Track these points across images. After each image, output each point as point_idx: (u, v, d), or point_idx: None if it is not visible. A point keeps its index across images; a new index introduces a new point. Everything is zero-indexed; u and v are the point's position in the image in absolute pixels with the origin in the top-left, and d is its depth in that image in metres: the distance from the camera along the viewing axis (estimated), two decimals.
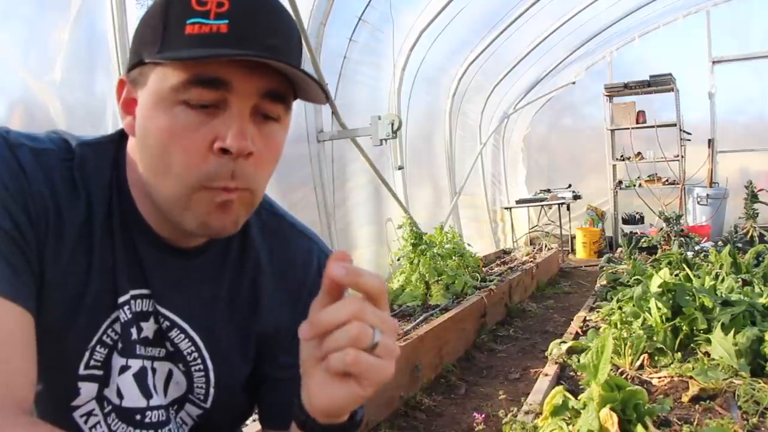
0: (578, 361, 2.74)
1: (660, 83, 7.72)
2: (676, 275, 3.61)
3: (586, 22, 6.79)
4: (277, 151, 0.75)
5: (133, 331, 0.78)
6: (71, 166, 0.74)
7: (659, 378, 2.53)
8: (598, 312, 3.76)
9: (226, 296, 0.84)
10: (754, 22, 7.64)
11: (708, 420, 2.08)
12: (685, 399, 2.28)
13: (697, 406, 2.23)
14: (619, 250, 6.69)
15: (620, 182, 8.33)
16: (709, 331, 2.75)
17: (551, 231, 8.29)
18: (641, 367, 2.69)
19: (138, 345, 0.79)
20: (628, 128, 7.90)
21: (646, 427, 1.83)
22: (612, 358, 2.34)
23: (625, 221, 8.18)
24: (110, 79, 2.46)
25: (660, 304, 2.92)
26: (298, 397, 0.66)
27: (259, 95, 0.69)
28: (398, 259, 4.55)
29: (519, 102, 8.02)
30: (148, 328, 0.80)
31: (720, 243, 5.83)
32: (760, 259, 4.51)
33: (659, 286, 3.06)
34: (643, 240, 6.09)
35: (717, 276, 3.78)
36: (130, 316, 0.78)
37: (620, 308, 3.33)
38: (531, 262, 6.28)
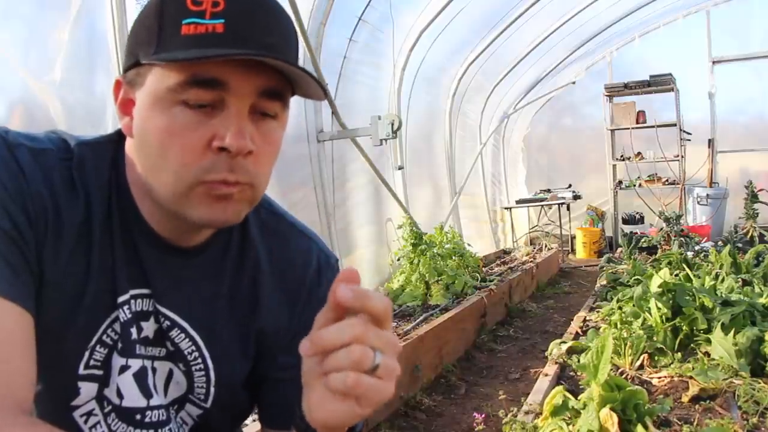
0: (578, 361, 2.74)
1: (660, 83, 7.72)
2: (676, 275, 3.61)
3: (586, 22, 6.79)
4: (276, 148, 0.75)
5: (133, 330, 0.78)
6: (70, 165, 0.74)
7: (659, 378, 2.53)
8: (598, 312, 3.76)
9: (226, 294, 0.84)
10: (754, 22, 7.64)
11: (708, 420, 2.07)
12: (685, 399, 2.28)
13: (697, 406, 2.22)
14: (619, 250, 6.69)
15: (620, 182, 8.33)
16: (709, 331, 2.74)
17: (551, 231, 8.29)
18: (641, 367, 2.69)
19: (138, 345, 0.79)
20: (628, 128, 7.90)
21: (646, 427, 1.83)
22: (612, 358, 2.34)
23: (625, 221, 8.18)
24: (110, 79, 2.45)
25: (660, 304, 2.92)
26: (299, 406, 0.65)
27: (256, 94, 0.69)
28: (398, 259, 4.55)
29: (519, 102, 8.02)
30: (149, 327, 0.80)
31: (720, 243, 5.82)
32: (760, 259, 4.51)
33: (659, 286, 3.06)
34: (643, 240, 6.09)
35: (717, 276, 3.78)
36: (129, 315, 0.78)
37: (620, 308, 3.33)
38: (531, 262, 6.28)
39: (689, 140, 7.86)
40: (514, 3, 5.68)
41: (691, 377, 2.43)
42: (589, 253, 7.98)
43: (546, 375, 2.70)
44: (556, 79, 8.17)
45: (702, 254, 5.02)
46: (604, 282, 4.81)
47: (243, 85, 0.68)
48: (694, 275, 3.66)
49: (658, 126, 7.60)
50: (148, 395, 0.80)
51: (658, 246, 5.84)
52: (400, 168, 4.63)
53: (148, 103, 0.70)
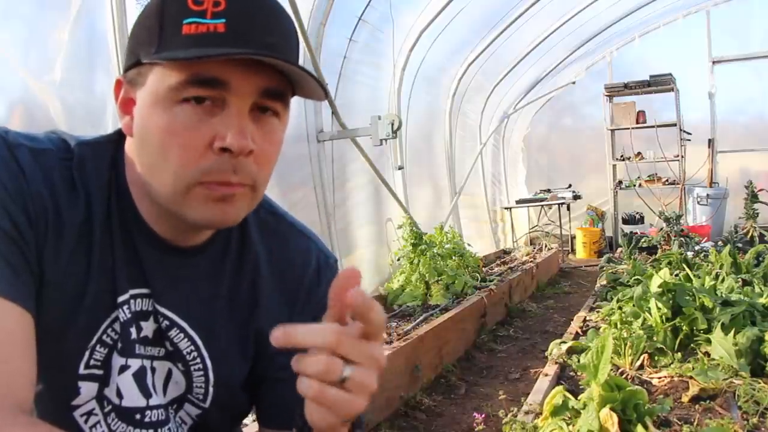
0: (578, 361, 2.74)
1: (660, 83, 7.72)
2: (676, 275, 3.61)
3: (586, 22, 6.79)
4: (276, 148, 0.75)
5: (133, 330, 0.78)
6: (70, 165, 0.75)
7: (659, 378, 2.53)
8: (598, 312, 3.76)
9: (225, 295, 0.84)
10: (754, 22, 7.64)
11: (708, 420, 2.07)
12: (685, 399, 2.28)
13: (697, 406, 2.22)
14: (619, 250, 6.69)
15: (620, 182, 8.33)
16: (709, 331, 2.74)
17: (551, 231, 8.29)
18: (641, 367, 2.69)
19: (137, 344, 0.79)
20: (628, 128, 7.90)
21: (646, 427, 1.83)
22: (612, 358, 2.33)
23: (625, 221, 8.17)
24: (110, 80, 2.46)
25: (660, 304, 2.92)
26: (300, 405, 0.65)
27: (257, 93, 0.69)
28: (398, 259, 4.55)
29: (519, 102, 8.02)
30: (148, 327, 0.80)
31: (720, 243, 5.82)
32: (760, 259, 4.51)
33: (659, 286, 3.06)
34: (643, 240, 6.09)
35: (717, 276, 3.78)
36: (129, 315, 0.78)
37: (620, 308, 3.33)
38: (531, 262, 6.28)
39: (689, 140, 7.86)
40: (514, 3, 5.68)
41: (691, 377, 2.43)
42: (589, 253, 7.98)
43: (546, 375, 2.70)
44: (556, 79, 8.17)
45: (702, 254, 5.02)
46: (604, 282, 4.81)
47: (244, 85, 0.68)
48: (694, 275, 3.66)
49: (658, 126, 7.60)
50: (147, 395, 0.80)
51: (658, 246, 5.84)
52: (400, 168, 4.63)
53: (149, 102, 0.70)
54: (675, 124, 7.74)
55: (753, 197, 6.47)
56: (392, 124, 3.75)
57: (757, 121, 8.04)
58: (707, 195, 7.44)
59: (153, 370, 0.81)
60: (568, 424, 1.95)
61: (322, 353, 0.57)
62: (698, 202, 7.49)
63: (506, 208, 8.39)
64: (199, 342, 0.82)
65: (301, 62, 0.72)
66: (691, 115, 7.97)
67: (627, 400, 1.87)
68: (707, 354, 2.64)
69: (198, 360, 0.82)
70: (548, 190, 8.53)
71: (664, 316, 2.90)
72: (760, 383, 2.29)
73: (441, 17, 4.99)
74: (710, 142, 7.90)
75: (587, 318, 3.77)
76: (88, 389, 0.77)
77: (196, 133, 0.68)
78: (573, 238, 8.34)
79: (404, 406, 2.89)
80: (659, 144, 7.50)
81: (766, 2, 7.43)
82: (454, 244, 4.79)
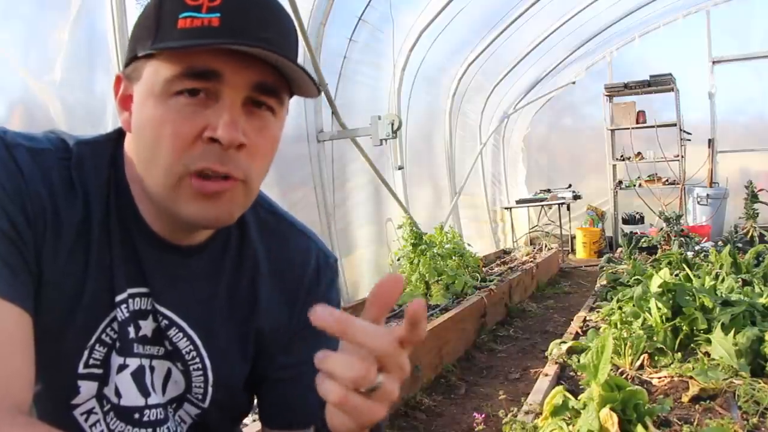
0: (578, 361, 2.74)
1: (660, 83, 7.72)
2: (676, 275, 3.61)
3: (586, 22, 6.79)
4: (271, 144, 0.75)
5: (131, 329, 0.78)
6: (69, 165, 0.74)
7: (659, 378, 2.53)
8: (598, 312, 3.76)
9: (224, 294, 0.84)
10: (754, 22, 7.64)
11: (708, 420, 2.07)
12: (685, 399, 2.27)
13: (697, 406, 2.22)
14: (619, 250, 6.69)
15: (620, 182, 8.33)
16: (709, 331, 2.74)
17: (551, 231, 8.29)
18: (641, 367, 2.69)
19: (136, 344, 0.79)
20: (628, 128, 7.90)
21: (646, 427, 1.83)
22: (612, 358, 2.33)
23: (625, 221, 8.17)
24: (110, 79, 2.44)
25: (660, 304, 2.92)
26: (322, 408, 0.62)
27: (250, 87, 0.70)
28: (398, 259, 4.55)
29: (519, 102, 8.02)
30: (147, 326, 0.79)
31: (720, 243, 5.82)
32: (760, 259, 4.51)
33: (659, 286, 3.06)
34: (643, 240, 6.09)
35: (717, 276, 3.78)
36: (127, 314, 0.77)
37: (620, 308, 3.33)
38: (531, 262, 6.28)
39: (689, 140, 7.86)
40: (514, 3, 5.68)
41: (691, 377, 2.43)
42: (589, 253, 7.98)
43: (546, 375, 2.70)
44: (556, 79, 8.17)
45: (702, 254, 5.02)
46: (604, 282, 4.81)
47: (237, 77, 0.68)
48: (694, 275, 3.66)
49: (658, 126, 7.60)
50: (146, 394, 0.80)
51: (658, 246, 5.84)
52: (400, 168, 4.64)
53: (145, 95, 0.70)
54: (675, 124, 7.74)
55: (753, 197, 6.47)
56: (392, 124, 3.75)
57: (757, 121, 8.04)
58: (707, 195, 7.44)
59: (152, 369, 0.80)
60: (568, 424, 1.95)
61: (354, 356, 0.53)
62: (698, 202, 7.49)
63: (506, 208, 8.39)
64: (198, 341, 0.82)
65: (300, 62, 0.72)
66: (691, 115, 7.97)
67: (627, 400, 1.87)
68: (707, 354, 2.64)
69: (197, 359, 0.82)
70: (548, 190, 8.53)
71: (664, 316, 2.90)
72: (760, 383, 2.29)
73: (441, 17, 5.00)
74: (710, 142, 7.89)
75: (587, 318, 3.77)
76: (87, 388, 0.76)
77: (188, 123, 0.68)
78: (573, 238, 8.34)
79: (404, 406, 2.89)
80: (659, 144, 7.50)
81: (766, 2, 7.43)
82: (454, 244, 4.79)
